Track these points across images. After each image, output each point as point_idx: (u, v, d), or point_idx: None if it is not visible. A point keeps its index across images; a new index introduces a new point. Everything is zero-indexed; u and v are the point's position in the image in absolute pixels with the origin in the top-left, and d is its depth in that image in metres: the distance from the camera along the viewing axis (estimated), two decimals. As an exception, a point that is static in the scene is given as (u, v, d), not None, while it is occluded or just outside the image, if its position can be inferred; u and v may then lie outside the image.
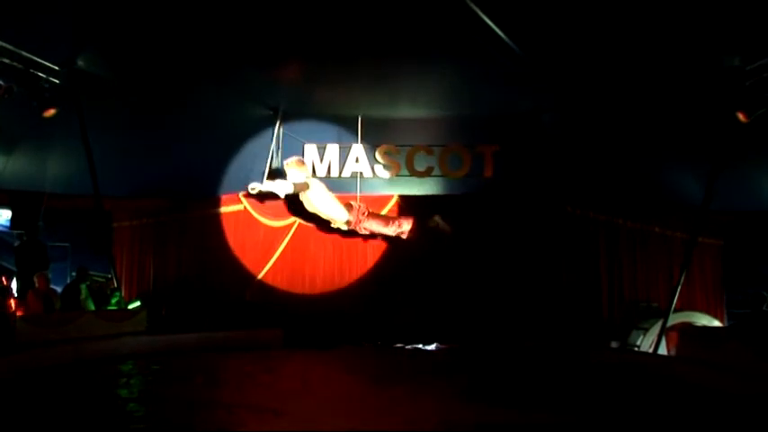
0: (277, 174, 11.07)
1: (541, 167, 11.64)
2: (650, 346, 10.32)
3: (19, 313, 9.55)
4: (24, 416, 6.12)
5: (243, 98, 11.11)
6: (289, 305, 11.67)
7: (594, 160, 11.36)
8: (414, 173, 11.87)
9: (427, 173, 11.90)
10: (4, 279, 10.90)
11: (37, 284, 9.93)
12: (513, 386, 7.88)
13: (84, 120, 10.10)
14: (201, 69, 9.93)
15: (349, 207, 10.62)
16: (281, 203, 11.76)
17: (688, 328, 10.15)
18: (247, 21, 8.46)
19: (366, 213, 10.71)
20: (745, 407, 6.68)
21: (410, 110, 11.59)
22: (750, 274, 10.83)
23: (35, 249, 11.09)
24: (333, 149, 11.89)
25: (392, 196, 11.84)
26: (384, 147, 11.87)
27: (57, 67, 9.48)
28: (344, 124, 11.96)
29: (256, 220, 12.01)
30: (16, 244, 11.44)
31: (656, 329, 10.38)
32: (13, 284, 10.81)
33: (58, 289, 10.61)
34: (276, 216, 11.97)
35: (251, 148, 11.95)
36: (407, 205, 11.65)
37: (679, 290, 10.14)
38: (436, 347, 11.14)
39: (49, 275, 10.35)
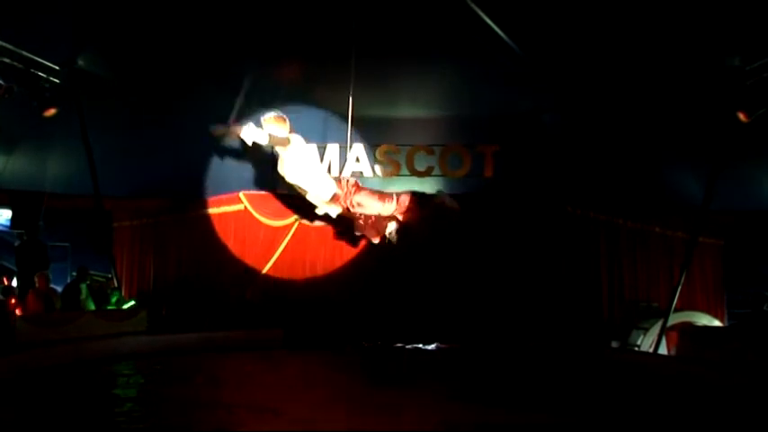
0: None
1: (542, 167, 11.62)
2: (650, 346, 10.32)
3: (19, 313, 9.54)
4: (24, 416, 6.11)
5: (242, 98, 11.10)
6: (288, 304, 11.65)
7: (595, 160, 11.35)
8: (414, 172, 11.85)
9: (427, 173, 11.87)
10: (5, 279, 10.90)
11: (37, 284, 9.93)
12: (514, 387, 7.87)
13: (85, 119, 10.11)
14: (201, 68, 9.94)
15: (336, 181, 8.96)
16: (282, 201, 11.77)
17: (688, 327, 10.15)
18: (247, 20, 8.48)
19: (356, 186, 8.80)
20: (745, 406, 6.67)
21: (410, 109, 11.58)
22: (750, 273, 10.82)
23: (35, 249, 11.08)
24: (333, 149, 11.87)
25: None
26: (384, 146, 11.85)
27: (57, 67, 9.50)
28: (345, 124, 11.94)
29: (256, 219, 12.00)
30: (17, 244, 11.42)
31: (656, 329, 10.38)
32: (14, 284, 10.80)
33: (59, 289, 10.60)
34: (276, 216, 11.96)
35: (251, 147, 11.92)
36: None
37: (679, 290, 10.15)
38: (437, 347, 11.13)
39: (50, 275, 10.34)
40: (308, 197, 8.79)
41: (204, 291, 11.80)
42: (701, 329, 10.13)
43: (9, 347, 8.43)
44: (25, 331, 8.86)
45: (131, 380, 8.04)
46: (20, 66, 8.96)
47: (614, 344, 11.13)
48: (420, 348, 11.04)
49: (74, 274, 11.09)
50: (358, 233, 9.29)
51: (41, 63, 9.28)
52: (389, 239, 8.98)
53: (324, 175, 8.77)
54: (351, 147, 10.83)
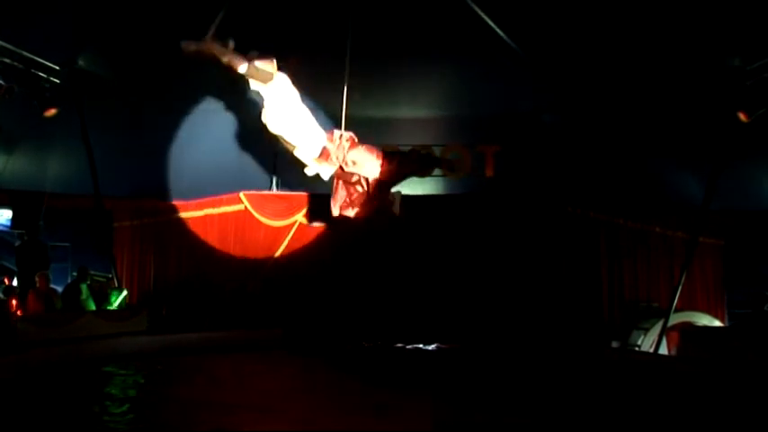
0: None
1: (542, 167, 11.63)
2: (651, 346, 10.31)
3: (19, 313, 9.55)
4: (22, 416, 6.11)
5: (243, 98, 11.10)
6: (288, 303, 11.65)
7: (595, 160, 11.35)
8: (414, 173, 11.82)
9: (428, 173, 11.86)
10: (6, 279, 10.90)
11: (38, 284, 9.93)
12: (512, 388, 7.86)
13: (85, 119, 10.11)
14: (202, 69, 9.93)
15: (328, 133, 7.21)
16: (283, 201, 11.78)
17: (689, 328, 10.15)
18: (247, 19, 8.47)
19: (352, 141, 7.21)
20: (745, 406, 6.67)
21: (410, 110, 11.58)
22: (751, 274, 10.81)
23: (36, 249, 11.08)
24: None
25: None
26: (384, 147, 11.81)
27: (57, 67, 9.50)
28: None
29: (257, 219, 12.01)
30: (17, 244, 11.43)
31: (656, 329, 10.38)
32: (14, 284, 10.80)
33: (59, 289, 10.61)
34: (277, 216, 11.97)
35: (252, 147, 11.94)
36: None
37: (680, 290, 10.14)
38: (437, 348, 11.12)
39: (50, 275, 10.34)
40: (297, 153, 7.31)
41: (204, 291, 11.80)
42: (702, 330, 10.13)
43: (10, 347, 8.44)
44: (26, 331, 8.85)
45: (131, 380, 8.02)
46: (20, 66, 8.97)
47: (615, 344, 11.13)
48: (420, 349, 11.04)
49: (74, 274, 11.09)
50: (349, 210, 7.46)
51: (42, 63, 9.28)
52: (393, 210, 7.62)
53: (312, 124, 7.14)
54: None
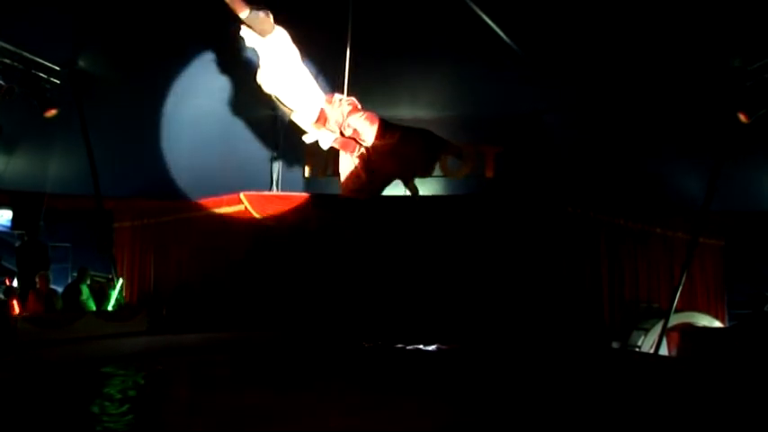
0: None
1: (543, 168, 11.63)
2: (651, 347, 10.31)
3: (15, 313, 9.55)
4: (22, 416, 6.11)
5: (244, 98, 11.12)
6: (288, 304, 11.65)
7: (596, 161, 11.36)
8: (414, 173, 11.82)
9: (432, 166, 11.84)
10: (7, 280, 10.91)
11: (38, 285, 9.95)
12: (511, 389, 7.86)
13: (85, 120, 10.11)
14: (203, 68, 9.96)
15: (328, 97, 6.58)
16: (283, 203, 11.78)
17: (689, 328, 10.14)
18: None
19: (354, 106, 6.51)
20: (746, 407, 6.67)
21: (411, 110, 11.58)
22: (751, 274, 10.81)
23: (36, 250, 11.09)
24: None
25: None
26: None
27: (58, 68, 9.51)
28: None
29: (257, 219, 12.00)
30: (17, 244, 11.44)
31: (657, 330, 10.36)
32: (14, 284, 10.81)
33: (59, 289, 10.62)
34: (277, 216, 11.95)
35: (252, 147, 11.95)
36: None
37: (680, 290, 10.13)
38: (437, 348, 11.11)
39: (50, 276, 10.36)
40: (294, 118, 6.74)
41: (205, 291, 11.80)
42: (702, 330, 10.12)
43: (10, 348, 8.44)
44: (26, 332, 8.86)
45: (131, 381, 8.02)
46: (21, 67, 8.99)
47: (615, 345, 11.12)
48: (420, 349, 11.03)
49: (74, 274, 11.10)
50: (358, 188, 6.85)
51: (42, 64, 9.30)
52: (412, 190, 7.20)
53: (312, 85, 6.49)
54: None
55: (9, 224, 11.55)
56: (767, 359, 7.52)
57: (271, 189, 12.34)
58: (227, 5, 5.82)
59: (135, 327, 10.27)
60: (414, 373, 8.99)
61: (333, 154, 7.32)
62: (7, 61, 8.81)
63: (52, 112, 9.37)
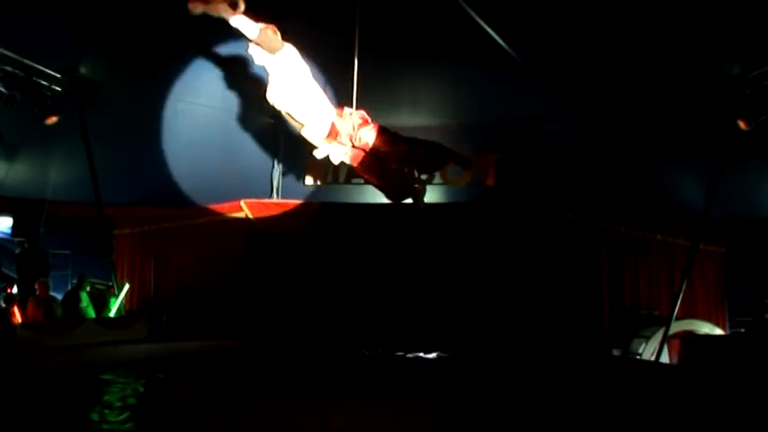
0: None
1: (543, 175, 11.63)
2: (652, 355, 10.29)
3: (15, 320, 9.54)
4: (21, 424, 6.10)
5: (245, 105, 11.15)
6: (290, 312, 11.63)
7: (596, 168, 11.35)
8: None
9: (428, 181, 11.87)
10: (8, 288, 10.90)
11: (37, 292, 9.93)
12: (512, 396, 7.84)
13: (86, 127, 10.13)
14: (203, 75, 9.99)
15: (338, 111, 6.61)
16: (283, 210, 11.79)
17: (690, 336, 10.12)
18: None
19: (364, 120, 6.56)
20: (747, 415, 6.65)
21: (411, 117, 11.59)
22: (752, 281, 10.80)
23: (36, 257, 11.10)
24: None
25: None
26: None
27: (59, 75, 9.53)
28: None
29: (257, 227, 11.99)
30: (17, 251, 11.44)
31: (657, 338, 10.34)
32: (14, 292, 10.80)
33: (59, 296, 10.60)
34: (277, 223, 11.95)
35: (252, 155, 11.96)
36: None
37: (681, 297, 10.12)
38: (437, 356, 11.10)
39: (50, 283, 10.35)
40: (305, 133, 6.78)
41: (205, 298, 11.79)
42: (703, 338, 10.11)
43: (9, 355, 8.43)
44: (25, 339, 8.85)
45: (131, 388, 8.01)
46: (22, 74, 9.01)
47: (615, 352, 11.10)
48: (421, 357, 11.02)
49: (74, 281, 11.09)
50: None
51: (43, 71, 9.32)
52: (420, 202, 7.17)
53: (322, 100, 6.56)
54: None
55: (9, 231, 11.54)
56: (768, 367, 7.50)
57: (271, 196, 12.33)
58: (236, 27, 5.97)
59: (135, 334, 10.26)
60: (414, 378, 8.99)
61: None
62: (8, 68, 8.83)
63: (53, 120, 9.39)
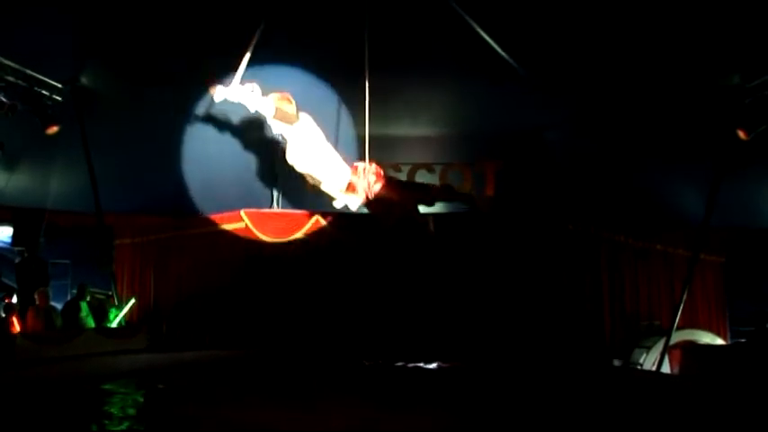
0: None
1: (543, 185, 11.64)
2: (653, 365, 10.26)
3: (14, 330, 9.52)
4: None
5: (245, 114, 11.15)
6: (290, 322, 11.60)
7: (596, 178, 11.37)
8: (415, 190, 11.83)
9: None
10: (6, 298, 10.88)
11: (37, 301, 9.91)
12: (514, 407, 7.81)
13: (87, 137, 10.14)
14: (204, 86, 9.98)
15: (353, 167, 7.34)
16: (283, 219, 11.80)
17: (691, 346, 10.10)
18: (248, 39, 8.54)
19: (378, 175, 7.24)
20: (749, 425, 6.63)
21: (412, 127, 11.62)
22: (753, 290, 10.80)
23: (36, 266, 11.07)
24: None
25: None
26: (385, 164, 11.79)
27: (60, 85, 9.55)
28: (347, 142, 11.98)
29: (257, 237, 11.99)
30: (17, 260, 11.42)
31: (658, 348, 10.32)
32: (14, 301, 10.78)
33: (59, 306, 10.58)
34: (278, 233, 11.96)
35: (253, 165, 11.97)
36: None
37: (681, 307, 10.10)
38: (438, 366, 11.07)
39: (49, 292, 10.32)
40: (324, 188, 7.54)
41: (205, 308, 11.76)
42: (704, 348, 10.08)
43: (9, 365, 8.40)
44: (25, 348, 8.82)
45: (131, 398, 7.98)
46: (23, 84, 9.03)
47: (616, 362, 11.07)
48: (421, 367, 10.99)
49: (74, 291, 11.07)
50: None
51: (44, 81, 9.35)
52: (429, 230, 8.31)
53: (337, 160, 7.32)
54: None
55: (9, 240, 11.53)
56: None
57: (271, 206, 12.33)
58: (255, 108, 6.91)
59: (135, 344, 10.25)
60: (415, 387, 8.97)
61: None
62: (10, 78, 8.85)
63: (54, 129, 9.40)
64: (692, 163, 10.43)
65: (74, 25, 8.28)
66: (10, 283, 11.37)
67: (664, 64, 8.83)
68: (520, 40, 8.51)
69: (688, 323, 10.91)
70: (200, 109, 10.71)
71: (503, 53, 8.76)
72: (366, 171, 7.17)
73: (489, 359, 10.96)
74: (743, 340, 10.80)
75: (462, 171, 11.91)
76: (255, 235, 12.00)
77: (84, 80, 9.67)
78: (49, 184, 11.06)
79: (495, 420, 6.86)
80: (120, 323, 10.89)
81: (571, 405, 7.84)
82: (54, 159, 10.60)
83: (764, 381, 7.49)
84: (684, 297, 10.16)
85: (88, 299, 10.69)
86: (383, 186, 7.13)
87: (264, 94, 6.99)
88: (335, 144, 7.57)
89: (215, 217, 12.09)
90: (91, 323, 10.48)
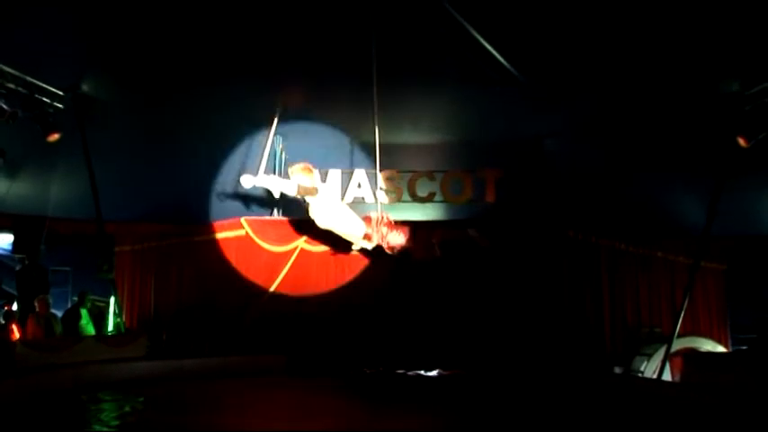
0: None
1: (543, 192, 11.65)
2: (654, 373, 10.23)
3: (14, 337, 9.51)
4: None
5: (247, 125, 11.19)
6: (290, 329, 11.57)
7: (597, 185, 11.38)
8: (416, 198, 11.86)
9: (429, 198, 11.88)
10: (6, 306, 10.88)
11: (37, 308, 9.90)
12: (514, 415, 7.79)
13: (88, 144, 10.16)
14: (206, 97, 10.03)
15: (366, 219, 8.82)
16: (284, 227, 11.80)
17: (692, 353, 10.06)
18: (251, 50, 8.58)
19: (389, 224, 8.77)
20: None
21: (412, 135, 11.64)
22: (753, 298, 10.78)
23: (36, 273, 11.08)
24: (335, 174, 11.88)
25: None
26: (386, 172, 11.82)
27: (61, 92, 9.58)
28: (347, 149, 12.01)
29: (258, 245, 11.98)
30: (18, 268, 11.43)
31: (659, 355, 10.28)
32: (14, 308, 10.78)
33: (59, 313, 10.58)
34: (278, 241, 11.95)
35: (253, 171, 11.95)
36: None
37: (682, 315, 10.08)
38: (438, 374, 11.05)
39: (50, 299, 10.32)
40: (345, 236, 9.10)
41: (205, 316, 11.74)
42: (706, 355, 10.05)
43: (8, 372, 8.38)
44: (25, 356, 8.81)
45: (129, 406, 7.96)
46: (24, 91, 9.05)
47: (617, 370, 11.04)
48: (422, 375, 10.96)
49: (74, 298, 11.07)
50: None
51: (46, 88, 9.37)
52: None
53: (353, 218, 8.87)
54: (379, 171, 9.94)
55: (10, 248, 11.55)
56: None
57: (271, 214, 12.33)
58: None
59: (135, 351, 10.23)
60: (415, 395, 8.96)
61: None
62: (11, 86, 8.86)
63: (55, 137, 9.41)
64: (693, 170, 10.44)
65: (75, 32, 8.30)
66: (10, 291, 11.37)
67: (664, 71, 8.84)
68: (521, 49, 8.53)
69: (689, 330, 10.89)
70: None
71: (504, 61, 8.78)
72: (379, 222, 8.66)
73: (490, 367, 10.92)
74: (744, 347, 10.77)
75: (463, 179, 11.91)
76: (256, 242, 11.99)
77: (85, 87, 9.68)
78: (50, 192, 11.08)
79: (495, 425, 6.85)
80: (117, 325, 10.85)
81: (572, 412, 7.83)
82: (55, 167, 10.62)
83: (765, 388, 7.46)
84: (685, 304, 10.12)
85: (89, 306, 10.69)
86: (401, 239, 8.73)
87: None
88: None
89: (216, 224, 12.09)
90: (91, 330, 10.48)
